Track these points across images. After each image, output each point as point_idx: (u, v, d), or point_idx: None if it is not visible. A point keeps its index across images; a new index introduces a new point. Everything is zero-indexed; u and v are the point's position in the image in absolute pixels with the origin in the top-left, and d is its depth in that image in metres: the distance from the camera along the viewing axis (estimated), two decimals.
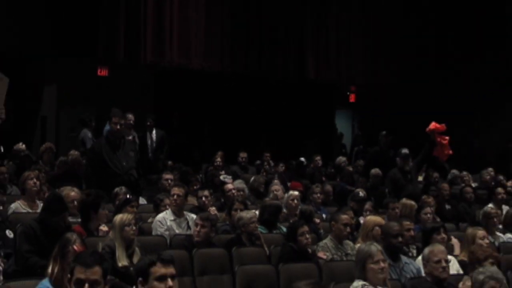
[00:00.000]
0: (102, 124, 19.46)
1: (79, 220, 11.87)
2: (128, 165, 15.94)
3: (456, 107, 26.71)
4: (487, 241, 11.60)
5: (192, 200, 14.64)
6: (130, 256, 10.35)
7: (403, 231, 12.03)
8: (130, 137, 17.95)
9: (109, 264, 10.05)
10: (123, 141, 16.04)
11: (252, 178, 18.66)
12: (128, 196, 13.45)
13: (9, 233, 11.59)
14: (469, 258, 10.80)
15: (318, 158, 22.76)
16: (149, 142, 20.06)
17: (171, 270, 6.61)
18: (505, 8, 30.35)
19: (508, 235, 14.31)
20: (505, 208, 16.04)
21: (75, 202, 12.26)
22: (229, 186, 16.80)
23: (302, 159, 23.02)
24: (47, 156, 18.31)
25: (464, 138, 25.22)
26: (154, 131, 20.51)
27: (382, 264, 8.93)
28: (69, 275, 6.21)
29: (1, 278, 7.94)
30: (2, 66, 17.25)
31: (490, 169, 22.28)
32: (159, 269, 6.55)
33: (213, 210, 13.79)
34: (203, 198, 14.44)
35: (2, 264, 9.16)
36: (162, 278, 6.51)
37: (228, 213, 14.09)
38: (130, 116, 18.29)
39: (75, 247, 7.80)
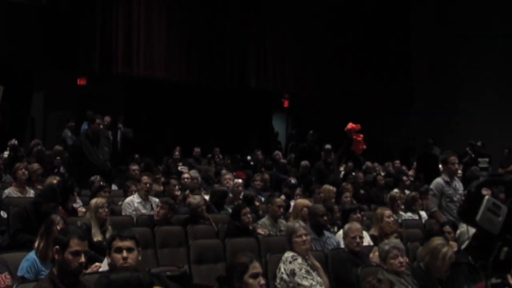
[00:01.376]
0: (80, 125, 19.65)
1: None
2: (104, 158, 15.92)
3: (369, 111, 26.80)
4: (392, 219, 11.71)
5: (155, 187, 14.56)
6: (103, 233, 10.39)
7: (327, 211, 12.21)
8: (107, 135, 17.95)
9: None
10: (100, 138, 16.04)
11: (204, 168, 18.81)
12: (101, 183, 13.44)
13: (3, 214, 11.49)
14: (378, 233, 10.96)
15: (258, 152, 22.82)
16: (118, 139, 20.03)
17: (127, 243, 6.67)
18: (409, 33, 30.57)
19: (409, 213, 14.49)
20: (407, 192, 16.14)
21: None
22: (185, 175, 16.95)
23: (249, 157, 23.14)
24: (36, 150, 18.25)
25: (375, 136, 25.31)
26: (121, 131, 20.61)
27: (304, 238, 8.98)
28: (57, 247, 6.14)
29: None
30: None
31: (397, 161, 22.49)
32: (117, 243, 6.66)
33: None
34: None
35: None
36: (118, 250, 6.61)
37: (184, 197, 14.15)
38: (107, 118, 18.37)
39: (58, 227, 7.78)
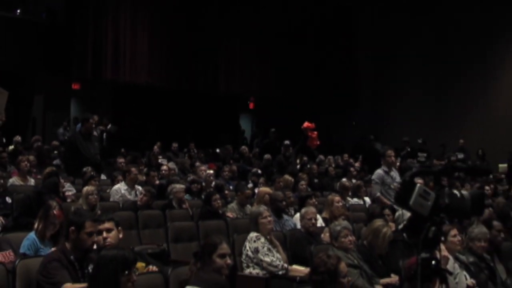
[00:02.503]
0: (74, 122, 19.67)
1: None
2: (94, 152, 16.00)
3: (321, 111, 26.85)
4: (341, 203, 11.74)
5: (139, 177, 14.55)
6: (94, 216, 10.33)
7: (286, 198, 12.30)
8: (95, 133, 17.96)
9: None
10: (91, 135, 16.12)
11: (181, 161, 18.86)
12: (92, 173, 13.48)
13: (8, 199, 11.63)
14: (329, 216, 11.02)
15: (228, 147, 22.86)
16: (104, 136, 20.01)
17: (106, 225, 6.80)
18: (356, 43, 30.66)
19: (355, 199, 14.57)
20: (353, 181, 16.21)
21: None
22: (164, 166, 17.01)
23: (218, 150, 23.16)
24: (36, 146, 18.30)
25: (327, 133, 25.38)
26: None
27: (268, 219, 9.03)
28: (72, 228, 6.24)
29: None
30: (4, 82, 17.08)
31: (345, 154, 22.56)
32: (97, 226, 6.65)
33: None
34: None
35: (3, 221, 9.10)
36: (99, 233, 6.69)
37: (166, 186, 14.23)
38: (95, 117, 18.37)
39: (55, 211, 7.81)
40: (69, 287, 5.91)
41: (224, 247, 6.39)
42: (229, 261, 6.42)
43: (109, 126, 20.61)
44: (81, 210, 8.86)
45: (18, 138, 19.07)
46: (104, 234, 6.75)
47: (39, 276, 6.09)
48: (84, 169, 14.20)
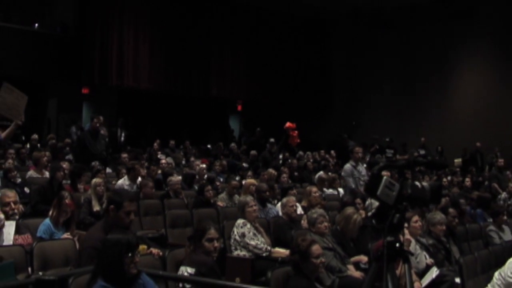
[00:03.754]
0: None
1: (69, 181, 12.05)
2: (101, 148, 16.00)
3: (301, 112, 26.87)
4: (318, 194, 11.74)
5: (141, 171, 14.52)
6: (101, 205, 10.38)
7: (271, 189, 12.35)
8: (102, 131, 17.96)
9: (87, 209, 10.26)
10: (98, 134, 16.12)
11: (177, 156, 18.88)
12: (99, 167, 13.50)
13: (26, 190, 11.91)
14: (307, 204, 11.02)
15: (219, 144, 22.85)
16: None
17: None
18: (330, 54, 30.67)
19: (330, 190, 14.58)
20: (330, 174, 16.21)
21: (66, 171, 12.51)
22: (163, 161, 17.04)
23: (210, 147, 23.16)
24: (50, 143, 18.33)
25: (306, 132, 25.40)
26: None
27: (254, 208, 9.06)
28: (112, 206, 6.39)
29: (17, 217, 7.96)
30: (22, 87, 17.01)
31: (322, 151, 22.58)
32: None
33: None
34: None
35: (22, 208, 9.10)
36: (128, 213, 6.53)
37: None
38: (101, 118, 18.32)
39: (66, 200, 7.82)
40: None
41: (212, 232, 6.41)
42: (216, 244, 6.43)
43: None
44: (122, 190, 8.96)
45: (35, 136, 19.10)
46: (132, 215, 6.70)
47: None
48: (92, 163, 14.27)
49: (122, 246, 5.06)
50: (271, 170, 15.53)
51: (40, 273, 6.01)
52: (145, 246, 6.65)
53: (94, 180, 11.09)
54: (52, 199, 8.29)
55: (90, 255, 6.01)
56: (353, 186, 13.01)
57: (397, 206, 3.79)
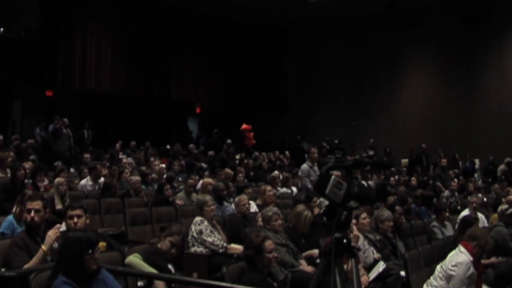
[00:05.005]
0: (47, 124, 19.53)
1: (31, 181, 11.96)
2: (64, 148, 15.94)
3: (257, 115, 26.94)
4: (272, 192, 11.75)
5: (103, 170, 14.44)
6: (63, 203, 10.31)
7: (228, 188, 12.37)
8: (65, 132, 17.83)
9: (50, 207, 10.14)
10: (61, 135, 16.00)
11: (138, 156, 18.83)
12: (62, 167, 13.41)
13: None
14: (262, 202, 11.04)
15: (178, 145, 22.78)
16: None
17: (76, 212, 6.76)
18: (285, 59, 30.78)
19: (284, 189, 14.61)
20: (284, 174, 16.25)
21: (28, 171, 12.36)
22: (124, 160, 16.99)
23: (169, 147, 23.07)
24: (15, 143, 18.09)
25: (262, 134, 25.48)
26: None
27: (212, 207, 9.05)
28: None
29: None
30: None
31: (276, 152, 22.63)
32: (69, 212, 6.80)
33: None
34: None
35: None
36: (70, 217, 6.71)
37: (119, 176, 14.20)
38: (65, 120, 18.18)
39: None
40: (28, 266, 5.89)
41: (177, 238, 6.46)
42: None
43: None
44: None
45: (0, 137, 18.80)
46: (75, 219, 6.73)
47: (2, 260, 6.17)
48: (55, 163, 14.17)
49: (83, 243, 5.05)
50: (227, 170, 15.55)
51: (3, 269, 5.93)
52: (104, 243, 6.62)
53: (57, 180, 11.03)
54: (16, 197, 8.26)
55: (14, 251, 6.12)
56: (309, 186, 13.07)
57: (344, 204, 3.82)
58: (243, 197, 10.17)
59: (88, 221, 6.95)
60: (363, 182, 4.00)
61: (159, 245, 6.41)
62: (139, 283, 5.88)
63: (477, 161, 23.91)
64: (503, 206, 11.73)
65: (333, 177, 3.85)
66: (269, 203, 10.72)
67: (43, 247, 6.06)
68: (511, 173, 21.38)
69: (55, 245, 6.20)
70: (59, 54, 23.28)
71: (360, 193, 3.89)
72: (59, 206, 10.36)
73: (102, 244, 6.25)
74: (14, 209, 7.92)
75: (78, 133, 20.96)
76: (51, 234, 6.16)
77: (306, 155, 14.19)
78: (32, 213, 6.50)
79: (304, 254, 8.17)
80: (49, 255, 6.08)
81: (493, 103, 25.26)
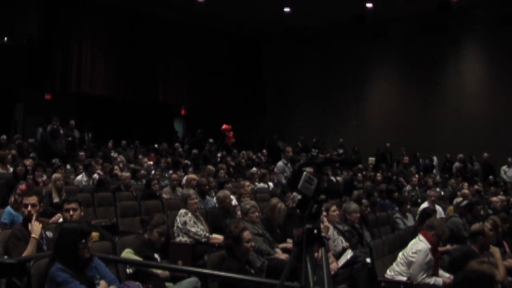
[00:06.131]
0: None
1: (31, 176, 11.91)
2: (61, 147, 15.88)
3: (237, 116, 26.93)
4: (250, 187, 11.79)
5: (97, 167, 14.38)
6: (60, 197, 10.28)
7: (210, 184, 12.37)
8: (62, 132, 17.75)
9: (48, 201, 10.13)
10: (59, 134, 15.96)
11: (128, 154, 18.76)
12: (59, 164, 13.38)
13: None
14: (241, 196, 10.99)
15: (164, 144, 22.74)
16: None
17: (72, 205, 6.80)
18: (262, 64, 30.81)
19: (261, 184, 14.62)
20: (262, 170, 16.25)
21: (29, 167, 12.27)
22: (117, 159, 16.86)
23: (156, 146, 23.02)
24: (17, 142, 18.06)
25: (241, 133, 25.48)
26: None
27: (195, 200, 9.05)
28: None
29: None
30: None
31: (251, 151, 22.60)
32: (66, 205, 6.85)
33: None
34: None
35: None
36: (67, 210, 6.76)
37: (110, 173, 14.18)
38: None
39: (21, 186, 7.92)
40: (26, 253, 5.96)
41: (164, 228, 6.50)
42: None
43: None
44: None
45: (3, 137, 18.77)
46: (71, 212, 6.77)
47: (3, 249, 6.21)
48: (53, 160, 14.13)
49: (77, 234, 5.16)
50: (210, 167, 15.53)
51: (5, 257, 5.93)
52: (97, 233, 6.63)
53: (54, 175, 11.01)
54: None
55: (13, 242, 6.15)
56: (284, 181, 13.09)
57: (315, 198, 3.83)
58: (227, 193, 10.13)
59: (82, 214, 6.99)
60: (332, 178, 4.02)
61: (146, 236, 6.40)
62: (128, 270, 5.87)
63: (435, 158, 24.05)
64: (458, 199, 11.87)
65: (304, 173, 3.85)
66: (246, 197, 10.73)
67: (33, 235, 6.11)
68: (465, 169, 21.53)
69: (50, 235, 6.23)
70: (57, 60, 23.44)
71: (329, 187, 3.90)
72: (56, 199, 10.37)
73: (95, 234, 6.27)
74: (10, 199, 8.14)
75: (81, 135, 21.07)
76: (35, 225, 6.20)
77: (281, 154, 14.19)
78: (29, 207, 6.52)
79: (280, 246, 8.19)
80: (42, 243, 6.14)
81: (450, 105, 25.42)
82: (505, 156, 22.09)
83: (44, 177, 12.37)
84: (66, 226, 5.44)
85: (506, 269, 7.64)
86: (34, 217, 6.33)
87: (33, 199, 6.63)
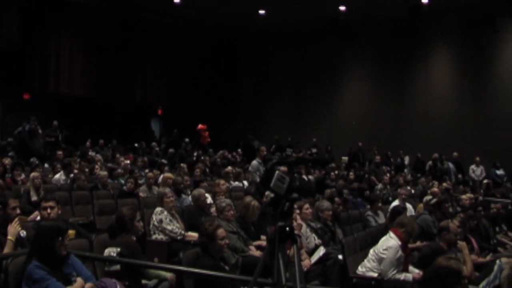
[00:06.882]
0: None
1: (10, 175, 11.87)
2: (39, 146, 15.77)
3: (212, 116, 26.92)
4: (225, 186, 11.74)
5: (75, 167, 14.30)
6: (39, 195, 10.21)
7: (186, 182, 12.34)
8: (40, 131, 17.64)
9: (26, 199, 10.06)
10: (37, 133, 15.86)
11: (105, 153, 18.66)
12: (37, 163, 13.30)
13: None
14: (216, 195, 10.97)
15: (142, 143, 22.68)
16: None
17: (49, 204, 6.85)
18: (238, 67, 30.83)
19: (236, 182, 14.59)
20: (237, 169, 16.25)
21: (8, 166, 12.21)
22: (95, 158, 16.77)
23: (136, 145, 22.92)
24: None
25: (217, 133, 25.48)
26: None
27: (171, 198, 9.04)
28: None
29: None
30: None
31: (226, 150, 22.55)
32: (43, 203, 6.89)
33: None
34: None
35: None
36: (44, 208, 6.79)
37: (90, 172, 14.06)
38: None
39: None
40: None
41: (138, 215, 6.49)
42: (141, 224, 6.63)
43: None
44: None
45: None
46: (48, 210, 6.77)
47: None
48: (31, 159, 14.05)
49: (54, 231, 5.15)
50: (183, 165, 15.56)
51: None
52: (73, 231, 6.61)
53: (32, 174, 10.99)
54: None
55: None
56: (258, 180, 13.11)
57: (287, 196, 3.85)
58: (202, 192, 10.12)
59: (60, 212, 6.95)
60: (304, 177, 4.05)
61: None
62: (106, 268, 5.85)
63: (407, 158, 24.22)
64: (428, 197, 11.94)
65: (277, 172, 3.88)
66: (221, 195, 10.73)
67: (10, 237, 6.04)
68: (435, 168, 21.70)
69: (23, 234, 6.20)
70: (36, 61, 23.31)
71: (301, 186, 3.97)
72: (34, 197, 10.34)
73: (71, 232, 6.27)
74: None
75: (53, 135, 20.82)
76: (11, 228, 6.12)
77: (256, 153, 14.22)
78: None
79: (254, 243, 8.20)
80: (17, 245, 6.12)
81: (420, 106, 25.62)
82: (473, 155, 22.34)
83: (23, 176, 12.33)
84: (43, 224, 5.44)
85: (473, 264, 7.75)
86: (15, 220, 6.27)
87: (15, 202, 6.64)
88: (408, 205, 12.34)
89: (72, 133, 22.41)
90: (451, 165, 21.98)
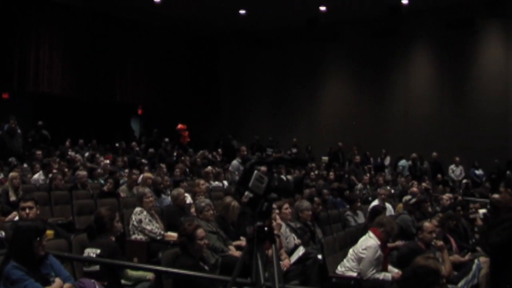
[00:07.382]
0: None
1: None
2: (18, 146, 15.68)
3: (192, 116, 26.91)
4: (205, 186, 11.74)
5: (55, 166, 14.21)
6: (17, 195, 10.19)
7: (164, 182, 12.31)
8: (19, 131, 17.52)
9: (4, 199, 9.99)
10: (16, 133, 15.77)
11: (87, 154, 18.58)
12: (16, 163, 13.21)
13: None
14: (196, 194, 10.97)
15: (122, 143, 22.60)
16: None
17: (28, 204, 6.83)
18: (218, 67, 30.83)
19: (216, 182, 14.58)
20: (217, 169, 16.24)
21: None
22: (75, 157, 16.71)
23: (117, 144, 22.82)
24: None
25: (197, 133, 25.47)
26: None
27: (151, 198, 9.02)
28: None
29: None
30: None
31: (206, 150, 22.56)
32: (22, 204, 6.88)
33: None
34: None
35: None
36: (23, 208, 6.78)
37: (73, 172, 14.00)
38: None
39: None
40: None
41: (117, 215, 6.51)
42: (120, 224, 6.72)
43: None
44: None
45: None
46: (27, 210, 6.75)
47: None
48: (10, 159, 13.97)
49: (32, 232, 5.13)
50: (162, 165, 15.53)
51: None
52: (52, 232, 6.58)
53: (11, 174, 10.93)
54: None
55: None
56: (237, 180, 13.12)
57: (265, 196, 3.85)
58: (181, 191, 10.12)
59: (38, 212, 6.93)
60: (283, 177, 4.07)
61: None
62: (85, 269, 5.83)
63: (388, 158, 24.35)
64: (407, 197, 12.03)
65: (255, 172, 3.88)
66: (201, 195, 10.73)
67: None
68: (415, 168, 21.83)
69: (1, 234, 6.17)
70: (15, 60, 23.04)
71: (279, 186, 3.98)
72: (13, 197, 10.27)
73: (49, 233, 6.23)
74: None
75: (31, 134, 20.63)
76: None
77: (236, 153, 14.23)
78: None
79: (234, 243, 8.20)
80: None
81: (399, 106, 25.77)
82: (452, 155, 22.50)
83: (1, 176, 12.27)
84: (21, 224, 5.41)
85: (452, 264, 7.81)
86: None
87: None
88: (388, 205, 12.42)
89: (52, 132, 22.31)
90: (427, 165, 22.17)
